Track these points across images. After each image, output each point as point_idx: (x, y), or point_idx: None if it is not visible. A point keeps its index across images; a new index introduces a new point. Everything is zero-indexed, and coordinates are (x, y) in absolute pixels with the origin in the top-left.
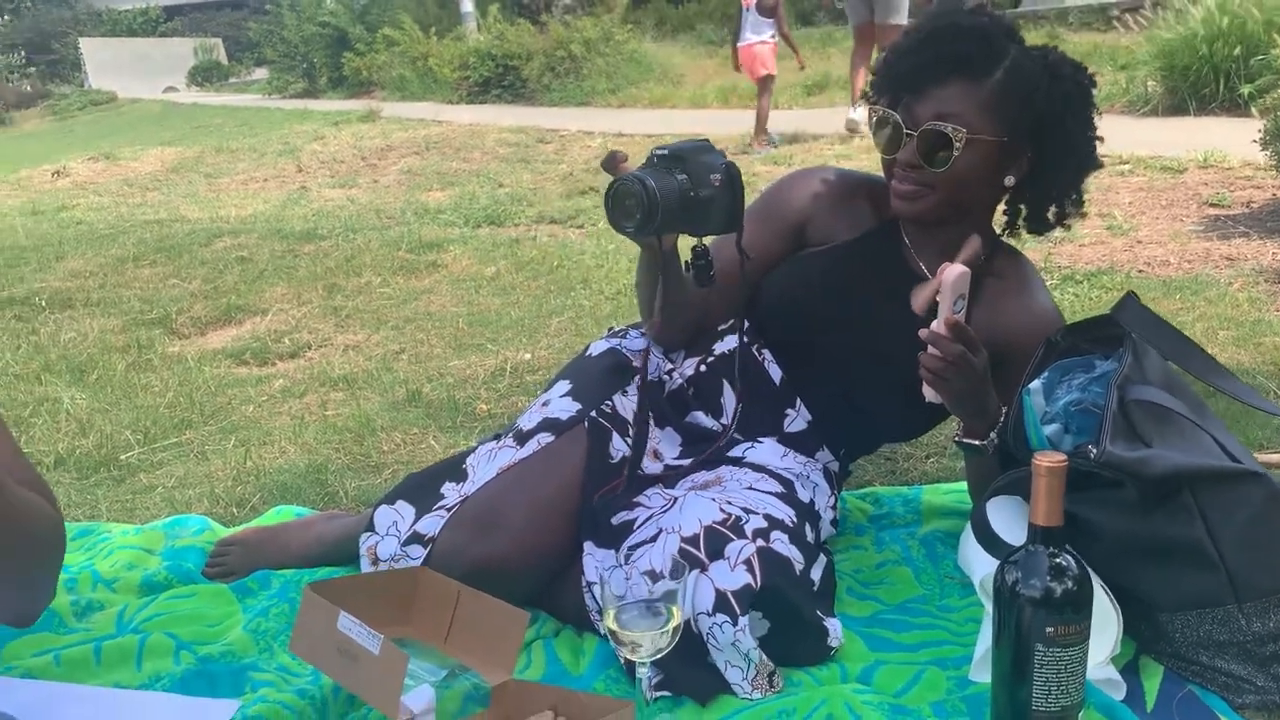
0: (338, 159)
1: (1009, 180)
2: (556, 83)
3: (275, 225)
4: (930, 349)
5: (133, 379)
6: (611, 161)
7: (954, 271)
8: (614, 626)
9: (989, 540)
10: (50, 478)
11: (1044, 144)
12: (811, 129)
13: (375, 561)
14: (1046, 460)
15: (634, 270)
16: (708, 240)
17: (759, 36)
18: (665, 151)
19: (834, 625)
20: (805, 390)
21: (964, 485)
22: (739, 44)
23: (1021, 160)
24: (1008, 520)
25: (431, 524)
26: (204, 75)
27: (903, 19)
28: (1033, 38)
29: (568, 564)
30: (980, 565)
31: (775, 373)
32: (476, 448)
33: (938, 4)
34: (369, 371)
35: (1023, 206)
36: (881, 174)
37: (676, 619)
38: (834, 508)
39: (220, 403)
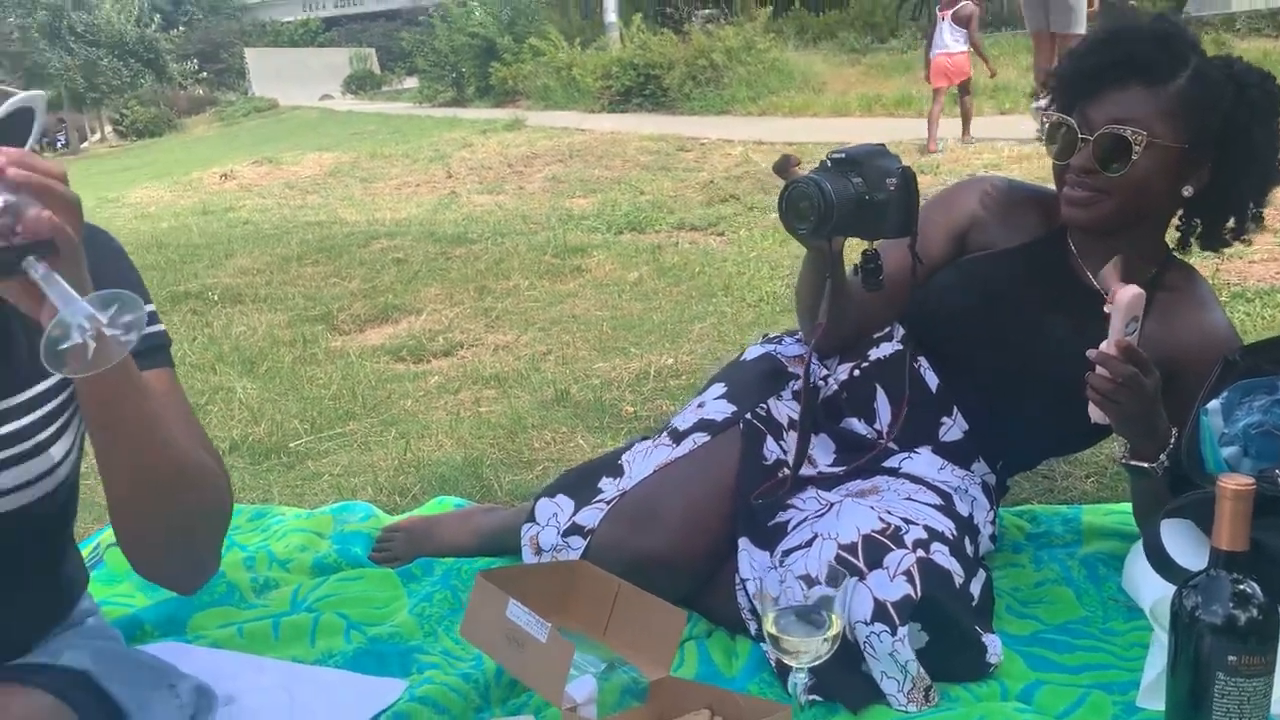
0: (485, 165)
1: (1187, 191)
2: (697, 91)
3: (428, 228)
4: (1099, 369)
5: (299, 371)
6: (784, 165)
7: (1129, 293)
8: (773, 631)
9: (1163, 564)
10: (226, 462)
11: (1226, 154)
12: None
13: (537, 551)
14: (1233, 483)
15: (775, 278)
16: (878, 243)
17: (957, 45)
18: (841, 155)
19: (993, 641)
20: (962, 399)
21: (1126, 507)
22: (933, 53)
23: (1202, 170)
24: (1182, 544)
25: (590, 516)
26: (358, 84)
27: (1080, 29)
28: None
29: (721, 564)
30: (1150, 589)
31: (932, 380)
32: (631, 445)
33: (1107, 7)
34: (518, 371)
35: (1198, 221)
36: (1050, 185)
37: (836, 627)
38: (993, 523)
39: (380, 396)
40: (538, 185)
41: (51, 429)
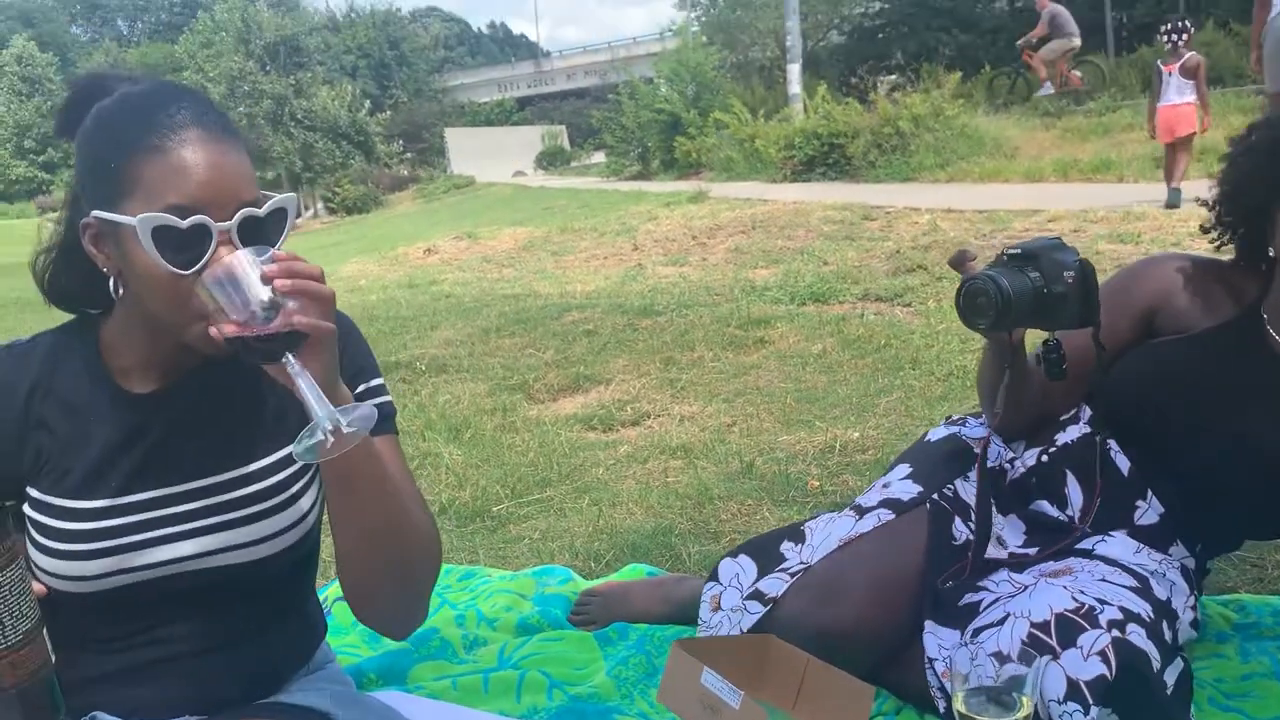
0: (670, 238)
1: None
2: (882, 159)
3: (616, 300)
4: None
5: (499, 439)
6: (960, 259)
7: None
8: (963, 709)
9: None
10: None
11: None
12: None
13: (717, 608)
14: None
15: (965, 351)
16: (1059, 332)
17: (1182, 98)
18: (1018, 250)
19: None
20: (1156, 483)
21: None
22: (1160, 104)
23: None
24: None
25: (773, 585)
26: (549, 160)
27: None
28: None
29: (907, 644)
30: None
31: (1123, 463)
32: (816, 516)
33: None
34: (704, 442)
35: None
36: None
37: (1027, 709)
38: (1194, 608)
39: (574, 464)
40: (721, 256)
41: (300, 483)
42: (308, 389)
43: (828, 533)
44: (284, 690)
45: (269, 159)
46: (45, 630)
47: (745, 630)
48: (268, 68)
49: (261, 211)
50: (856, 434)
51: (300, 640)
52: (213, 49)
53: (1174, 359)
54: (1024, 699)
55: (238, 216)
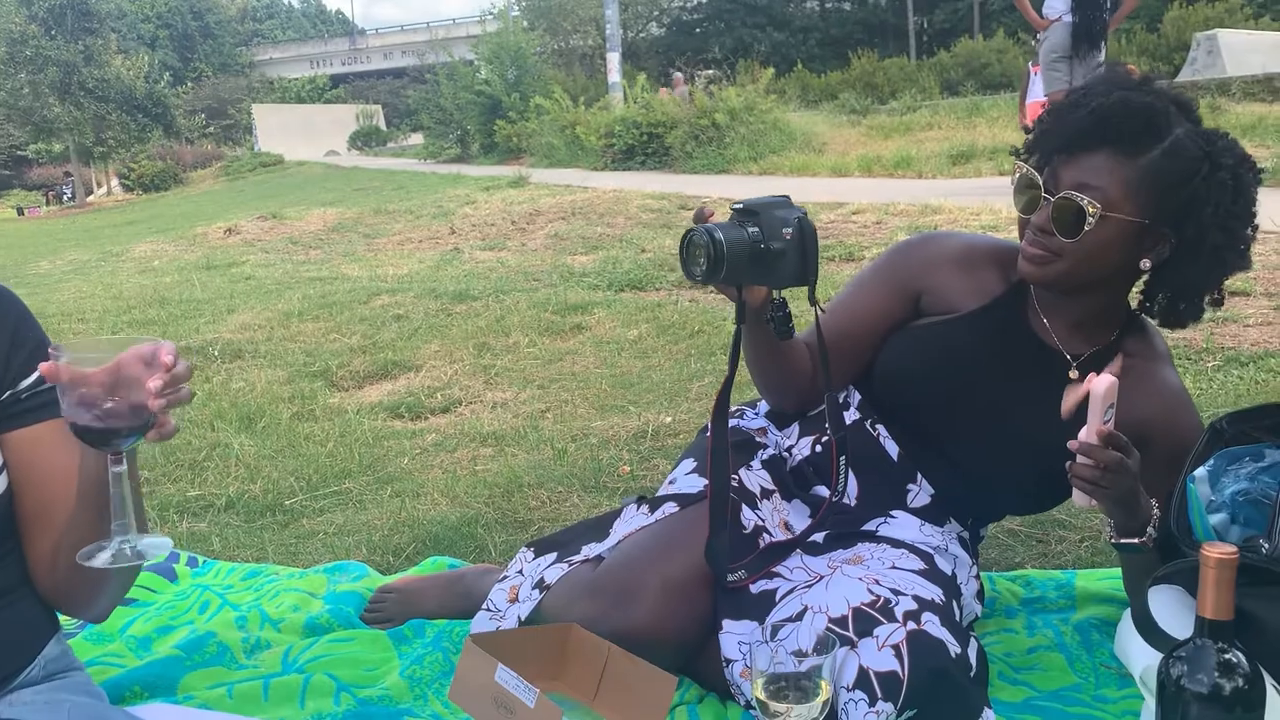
0: (488, 222)
1: (1145, 264)
2: (699, 150)
3: (430, 285)
4: (1080, 459)
5: (296, 428)
6: (699, 215)
7: (1103, 382)
8: (762, 697)
9: (1150, 632)
10: (221, 519)
11: (1187, 234)
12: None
13: (514, 599)
14: (1216, 551)
15: None
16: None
17: (1045, 93)
18: (740, 205)
19: (989, 717)
20: (924, 465)
21: (1119, 572)
22: (1029, 100)
23: (1162, 246)
24: (1170, 611)
25: (554, 573)
26: (364, 140)
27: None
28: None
29: (707, 636)
30: (1140, 657)
31: (892, 449)
32: (624, 508)
33: (1105, 68)
34: (516, 429)
35: (1160, 294)
36: (1011, 239)
37: (825, 693)
38: (977, 577)
39: (377, 454)
40: (540, 242)
41: None
42: (118, 497)
43: (625, 529)
44: (11, 699)
45: (54, 130)
46: None
47: (523, 619)
48: (53, 32)
49: None
50: (669, 418)
51: (29, 631)
52: None
53: (937, 341)
54: (822, 683)
55: None
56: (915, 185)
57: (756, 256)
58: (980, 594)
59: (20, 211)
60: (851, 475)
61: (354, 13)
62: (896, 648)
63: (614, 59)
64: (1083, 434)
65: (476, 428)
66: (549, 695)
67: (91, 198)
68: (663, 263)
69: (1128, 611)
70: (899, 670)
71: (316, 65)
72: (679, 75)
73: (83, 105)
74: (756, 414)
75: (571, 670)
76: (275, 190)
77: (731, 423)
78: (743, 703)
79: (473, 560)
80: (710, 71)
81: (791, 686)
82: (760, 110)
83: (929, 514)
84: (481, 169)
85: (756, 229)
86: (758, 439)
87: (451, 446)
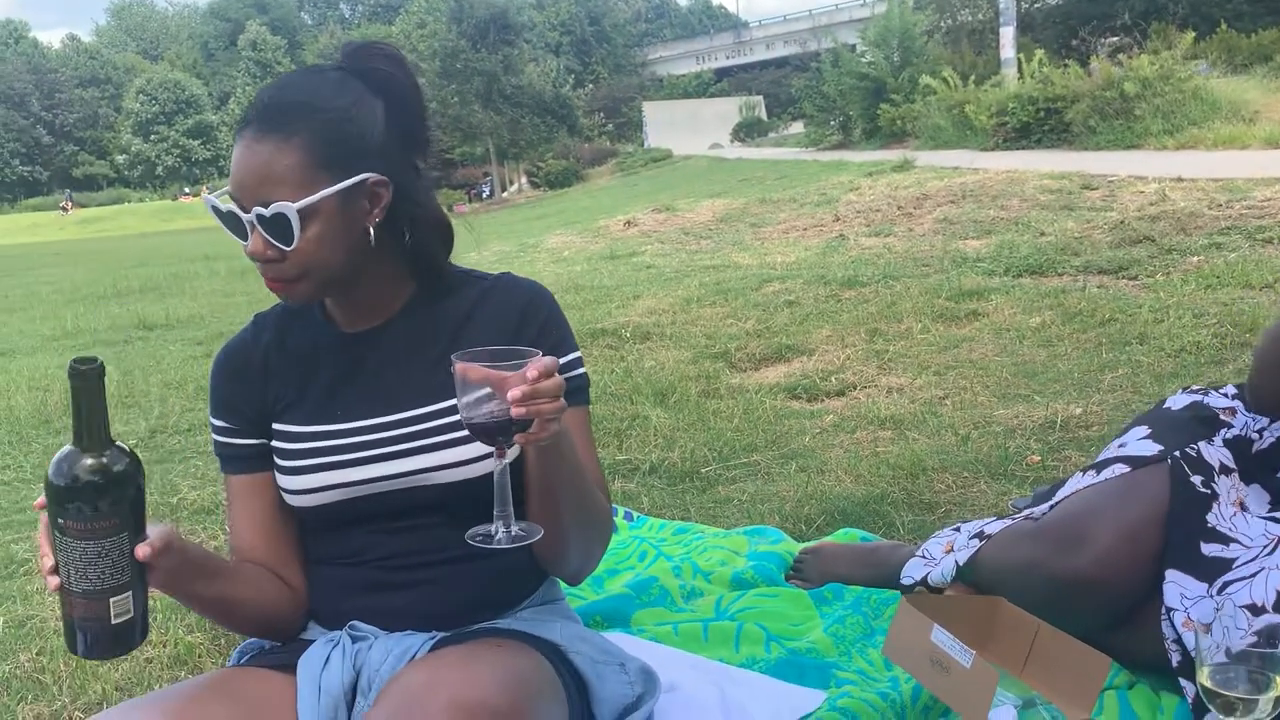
0: (873, 208)
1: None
2: (1104, 125)
3: (818, 272)
4: None
5: (704, 405)
6: None
7: None
8: (1207, 684)
9: None
10: (647, 482)
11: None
12: None
13: (949, 550)
14: None
15: (1198, 327)
16: None
17: None
18: None
19: None
20: None
21: None
22: None
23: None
24: None
25: (995, 526)
26: (746, 131)
27: None
28: None
29: (1147, 597)
30: None
31: None
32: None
33: None
34: (914, 414)
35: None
36: None
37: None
38: None
39: (779, 431)
40: (928, 227)
41: None
42: (499, 491)
43: (1069, 491)
44: (515, 616)
45: (478, 134)
46: (114, 599)
47: (961, 564)
48: (478, 46)
49: (268, 213)
50: (1079, 410)
51: (531, 566)
52: (426, 29)
53: None
54: (1277, 677)
55: (254, 212)
56: None
57: None
58: None
59: (449, 209)
60: None
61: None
62: None
63: (1008, 33)
64: None
65: (874, 411)
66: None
67: (506, 194)
68: (1065, 246)
69: None
70: None
71: (702, 60)
72: None
73: (502, 110)
74: (1225, 395)
75: (999, 643)
76: (666, 184)
77: (1195, 397)
78: (1175, 661)
79: (882, 536)
80: (1117, 39)
81: (1242, 678)
82: (1178, 78)
83: None
84: (864, 154)
85: None
86: (1223, 417)
87: (850, 428)
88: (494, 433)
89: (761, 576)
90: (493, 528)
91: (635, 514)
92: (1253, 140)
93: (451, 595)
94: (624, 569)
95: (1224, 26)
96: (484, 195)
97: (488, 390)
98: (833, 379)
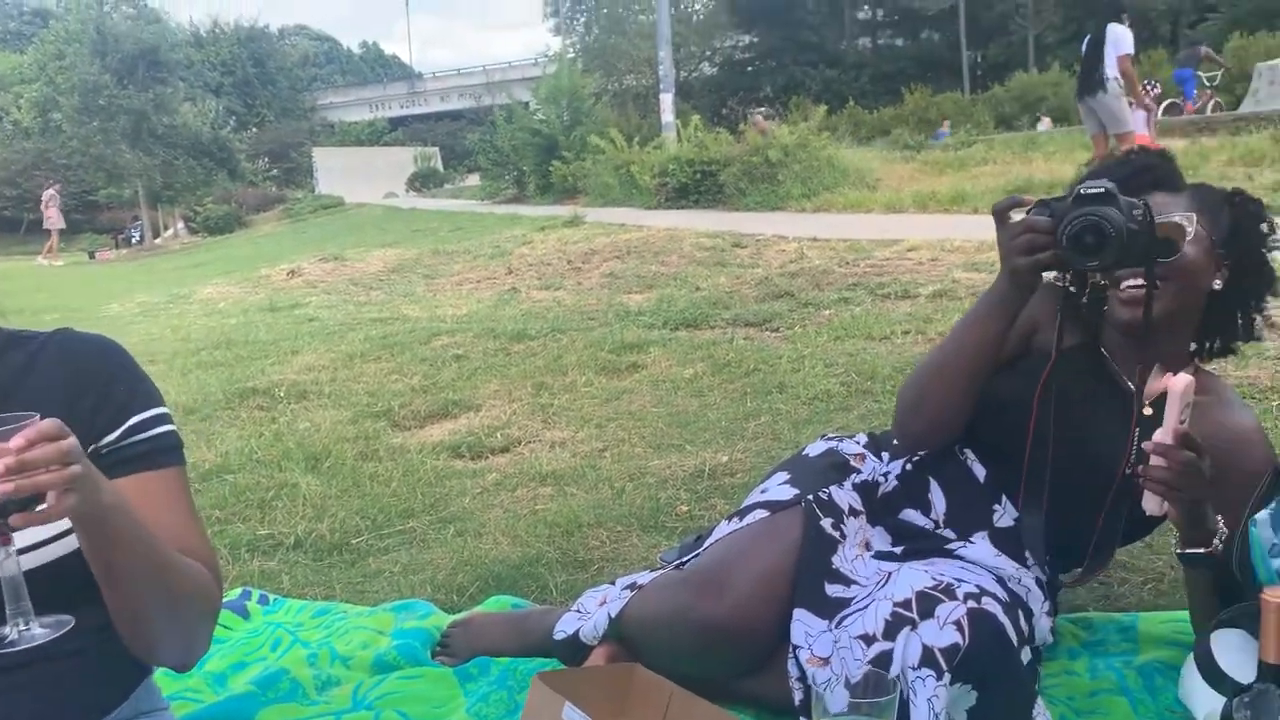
0: (545, 262)
1: (1216, 284)
2: (752, 188)
3: (488, 325)
4: (1154, 460)
5: (361, 468)
6: (1009, 205)
7: (1181, 381)
8: None
9: (1214, 676)
10: (290, 558)
11: (1236, 253)
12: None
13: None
14: (1277, 597)
15: (829, 376)
16: None
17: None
18: (1099, 189)
19: (1042, 713)
20: (1009, 489)
21: (1184, 614)
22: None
23: (1224, 267)
24: (1234, 655)
25: (646, 576)
26: (422, 181)
27: (1128, 127)
28: (1257, 140)
29: (781, 640)
30: (1204, 700)
31: (979, 470)
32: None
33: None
34: (575, 468)
35: (1215, 330)
36: None
37: None
38: (1050, 614)
39: (439, 493)
40: (596, 281)
41: None
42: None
43: (714, 538)
44: None
45: (125, 176)
46: None
47: (614, 616)
48: (125, 82)
49: None
50: (725, 458)
51: (119, 667)
52: (65, 60)
53: (1031, 375)
54: None
55: None
56: (971, 221)
57: (1128, 239)
58: (1052, 630)
59: (91, 255)
60: (938, 491)
61: (411, 57)
62: (958, 623)
63: (667, 99)
64: (1158, 434)
65: (536, 467)
66: None
67: (159, 240)
68: (717, 300)
69: (1192, 655)
70: (960, 641)
71: (375, 109)
72: (759, 114)
73: (152, 151)
74: (857, 443)
75: (635, 710)
76: (336, 232)
77: (830, 444)
78: (797, 700)
79: (535, 599)
80: (763, 109)
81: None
82: (813, 147)
83: (1013, 538)
84: (538, 209)
85: (1138, 212)
86: (853, 463)
87: (512, 486)
88: None
89: (405, 657)
90: (7, 628)
91: (272, 597)
92: (875, 205)
93: (18, 710)
94: (253, 661)
95: (852, 103)
96: (133, 240)
97: None
98: (498, 435)
